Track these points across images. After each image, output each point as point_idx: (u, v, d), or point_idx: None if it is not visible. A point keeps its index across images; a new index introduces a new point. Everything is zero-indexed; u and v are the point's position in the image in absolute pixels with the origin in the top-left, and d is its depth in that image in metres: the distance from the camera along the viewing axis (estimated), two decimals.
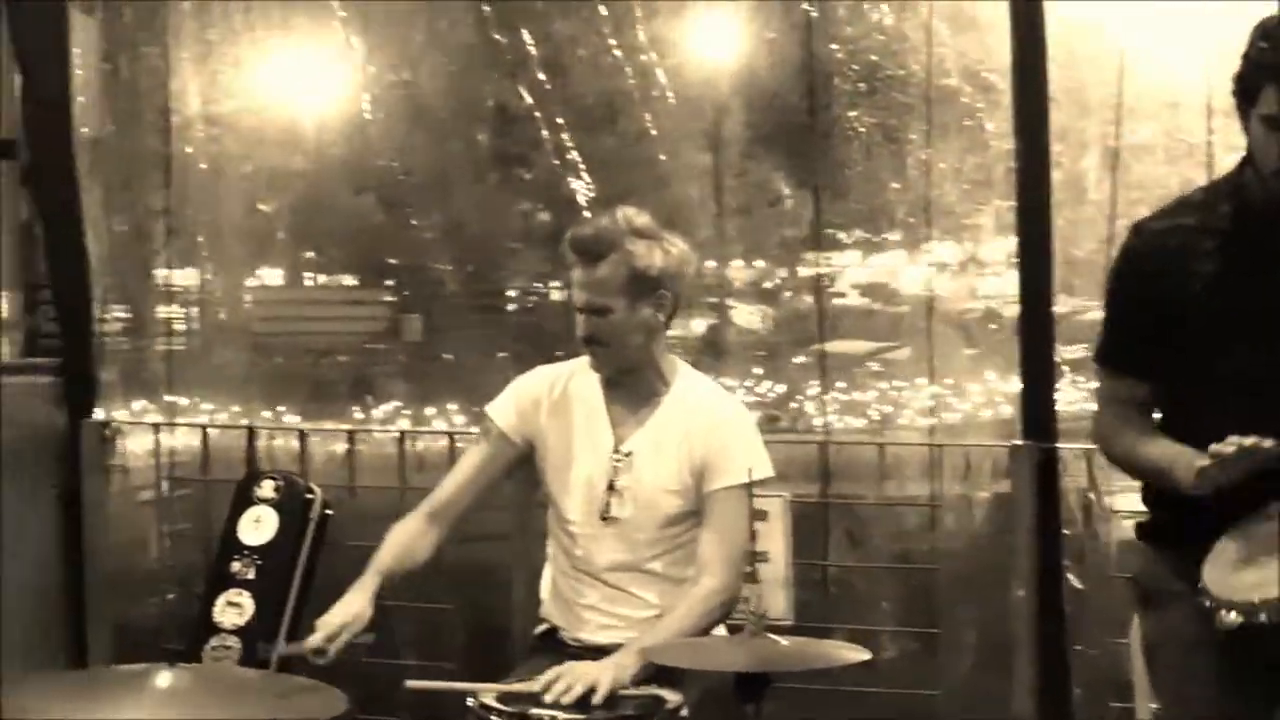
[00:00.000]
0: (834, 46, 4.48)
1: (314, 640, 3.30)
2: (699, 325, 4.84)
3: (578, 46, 4.74)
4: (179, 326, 5.19)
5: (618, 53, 4.63)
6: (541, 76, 4.72)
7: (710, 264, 4.69)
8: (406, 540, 3.53)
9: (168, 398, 5.08)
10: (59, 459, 4.94)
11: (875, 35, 4.44)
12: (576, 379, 3.58)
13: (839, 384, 4.62)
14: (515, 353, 4.84)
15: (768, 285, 4.86)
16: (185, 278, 5.18)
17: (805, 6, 4.50)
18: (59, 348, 5.05)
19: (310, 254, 5.41)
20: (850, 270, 4.79)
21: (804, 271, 4.76)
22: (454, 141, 4.98)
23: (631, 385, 3.52)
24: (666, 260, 3.42)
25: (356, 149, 4.96)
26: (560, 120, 4.72)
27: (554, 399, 3.58)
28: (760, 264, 4.86)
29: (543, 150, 4.75)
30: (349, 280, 5.53)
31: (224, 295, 5.19)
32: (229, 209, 5.11)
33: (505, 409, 3.61)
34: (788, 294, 4.82)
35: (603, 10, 4.67)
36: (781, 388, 4.71)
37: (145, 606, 4.98)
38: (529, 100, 4.73)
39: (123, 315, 5.17)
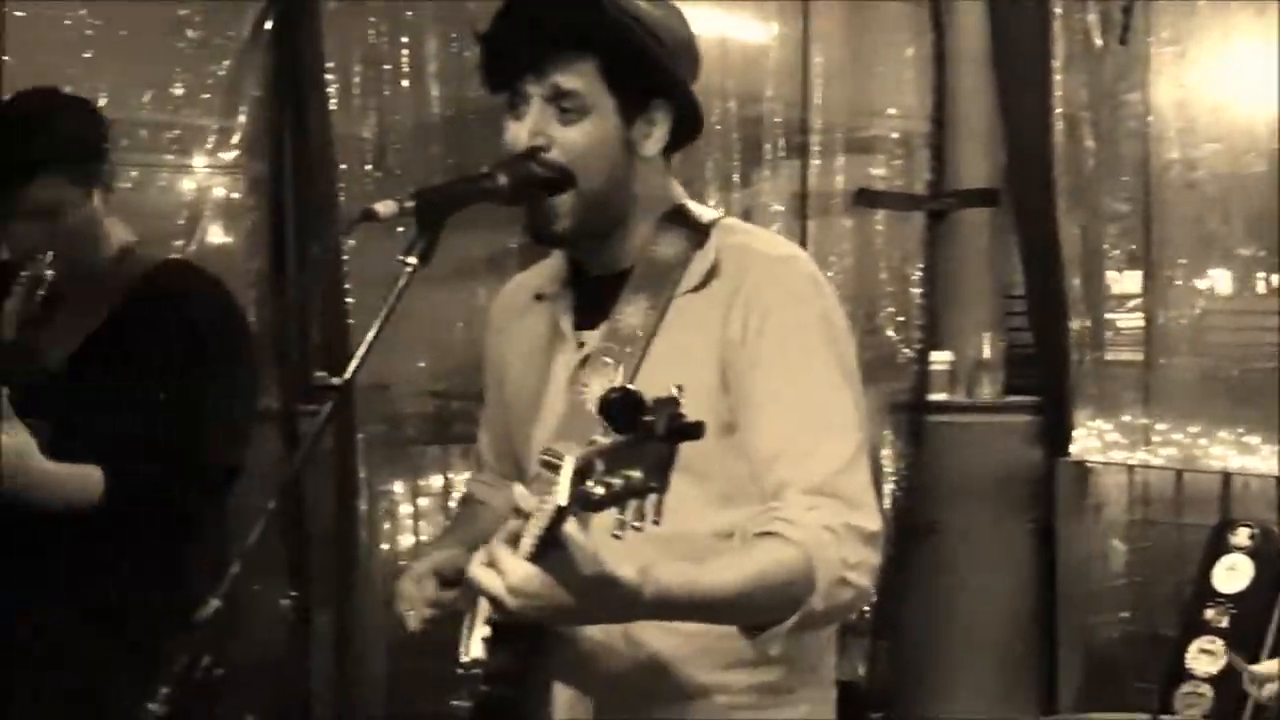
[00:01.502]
0: None
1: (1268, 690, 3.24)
2: None
3: None
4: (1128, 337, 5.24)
5: None
6: None
7: None
8: None
9: (1124, 417, 5.12)
10: (1035, 495, 5.10)
11: None
12: None
13: None
14: None
15: None
16: (1132, 284, 5.22)
17: None
18: (1036, 388, 5.23)
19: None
20: None
21: None
22: None
23: None
24: None
25: None
26: None
27: None
28: None
29: None
30: None
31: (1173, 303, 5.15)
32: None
33: None
34: None
35: None
36: None
37: (1113, 644, 5.02)
38: None
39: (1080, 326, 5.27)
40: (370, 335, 2.13)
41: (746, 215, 5.21)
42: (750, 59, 5.41)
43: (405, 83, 5.21)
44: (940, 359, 5.22)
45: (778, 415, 2.24)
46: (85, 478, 3.02)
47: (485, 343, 2.72)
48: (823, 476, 2.20)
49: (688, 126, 2.43)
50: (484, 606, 2.32)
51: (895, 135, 5.52)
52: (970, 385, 5.19)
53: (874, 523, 2.21)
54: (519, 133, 2.33)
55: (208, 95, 4.67)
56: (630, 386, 1.84)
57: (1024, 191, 5.30)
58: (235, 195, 4.73)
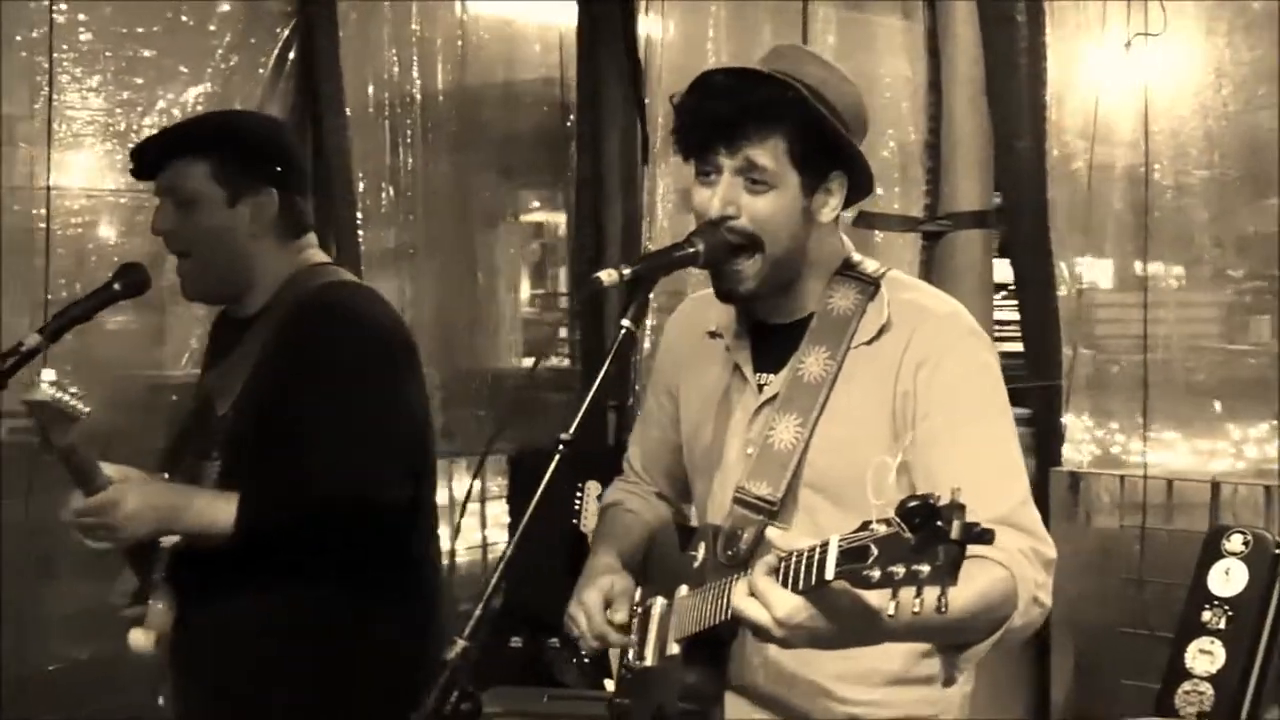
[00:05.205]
0: None
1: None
2: None
3: None
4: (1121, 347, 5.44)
5: None
6: None
7: None
8: None
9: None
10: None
11: None
12: None
13: None
14: None
15: None
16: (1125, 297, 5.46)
17: None
18: (1028, 399, 5.38)
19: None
20: None
21: None
22: None
23: None
24: None
25: None
26: None
27: None
28: None
29: None
30: None
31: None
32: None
33: None
34: None
35: None
36: None
37: (1102, 647, 5.18)
38: None
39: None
40: (590, 394, 2.33)
41: None
42: None
43: (417, 107, 5.38)
44: None
45: (957, 455, 2.43)
46: (215, 508, 2.97)
47: (659, 363, 2.94)
48: (1006, 508, 2.38)
49: (860, 189, 2.61)
50: (664, 622, 2.59)
51: (889, 156, 5.68)
52: None
53: (1052, 550, 2.42)
54: (711, 200, 2.52)
55: None
56: (925, 495, 1.92)
57: (1017, 213, 5.49)
58: None
